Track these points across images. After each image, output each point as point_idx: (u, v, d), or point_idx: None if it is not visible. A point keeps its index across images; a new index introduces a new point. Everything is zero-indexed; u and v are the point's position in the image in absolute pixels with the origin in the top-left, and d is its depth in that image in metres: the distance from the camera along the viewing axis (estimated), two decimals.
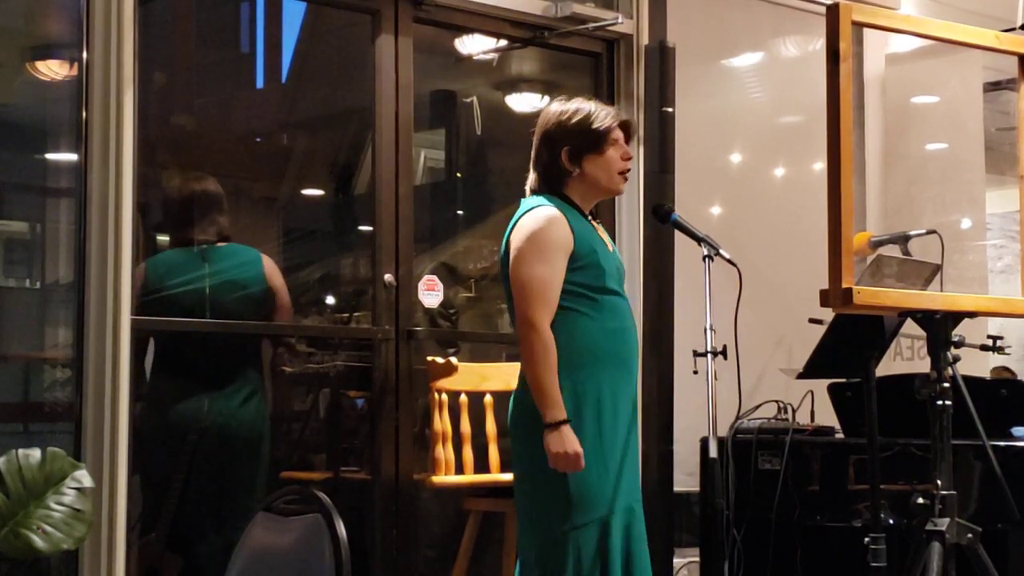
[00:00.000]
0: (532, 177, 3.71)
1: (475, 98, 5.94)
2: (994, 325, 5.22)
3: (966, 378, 4.11)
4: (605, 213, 5.38)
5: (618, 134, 3.66)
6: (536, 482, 3.55)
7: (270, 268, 4.74)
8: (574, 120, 3.63)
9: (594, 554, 3.51)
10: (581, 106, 3.66)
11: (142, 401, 4.55)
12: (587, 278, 3.57)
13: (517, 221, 3.59)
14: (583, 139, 3.61)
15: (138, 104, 4.19)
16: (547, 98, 5.98)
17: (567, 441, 3.43)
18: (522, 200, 3.69)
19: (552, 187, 3.65)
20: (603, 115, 3.65)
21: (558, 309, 3.53)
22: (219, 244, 4.69)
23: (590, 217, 3.69)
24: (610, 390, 3.58)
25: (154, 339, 4.57)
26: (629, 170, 3.72)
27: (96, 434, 4.04)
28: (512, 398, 3.68)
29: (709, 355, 4.01)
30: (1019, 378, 5.12)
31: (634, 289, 5.29)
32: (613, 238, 5.35)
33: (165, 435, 4.57)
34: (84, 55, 4.12)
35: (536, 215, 3.56)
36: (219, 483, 4.58)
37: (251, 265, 4.71)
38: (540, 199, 3.62)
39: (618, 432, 3.59)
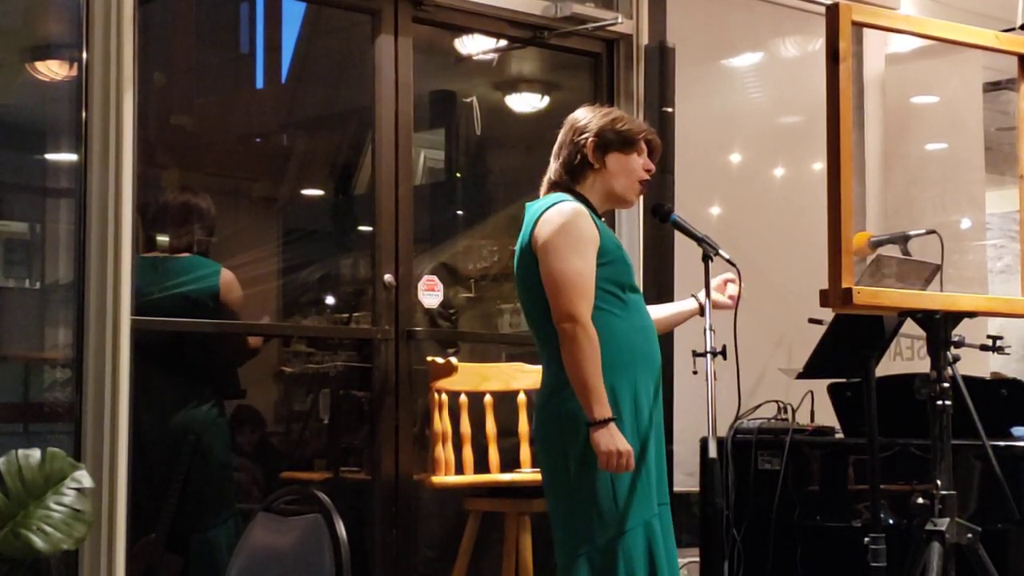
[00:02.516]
0: (553, 167, 3.68)
1: (475, 98, 5.95)
2: (994, 325, 5.22)
3: (966, 378, 4.11)
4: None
5: (644, 147, 3.68)
6: (576, 491, 3.48)
7: (227, 283, 4.70)
8: (607, 118, 3.66)
9: (644, 557, 3.47)
10: (614, 110, 3.74)
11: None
12: (615, 274, 3.54)
13: (540, 215, 3.53)
14: (612, 135, 3.63)
15: (138, 104, 4.19)
16: (547, 98, 5.99)
17: (616, 439, 3.37)
18: (527, 204, 3.67)
19: (572, 180, 3.63)
20: (635, 122, 3.72)
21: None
22: (181, 255, 4.67)
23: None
24: (644, 390, 3.55)
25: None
26: (646, 183, 3.72)
27: (96, 434, 4.04)
28: (539, 406, 3.61)
29: (709, 355, 4.01)
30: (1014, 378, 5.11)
31: None
32: None
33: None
34: (84, 55, 4.12)
35: (562, 208, 3.51)
36: (174, 487, 4.56)
37: (206, 279, 4.68)
38: (559, 195, 3.59)
39: (652, 432, 3.57)
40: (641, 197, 5.13)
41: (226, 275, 4.70)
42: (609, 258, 3.53)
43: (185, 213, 4.73)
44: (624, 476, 3.45)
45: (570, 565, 3.48)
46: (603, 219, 3.67)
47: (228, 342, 4.80)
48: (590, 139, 3.61)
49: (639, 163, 3.67)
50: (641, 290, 3.72)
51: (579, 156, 3.62)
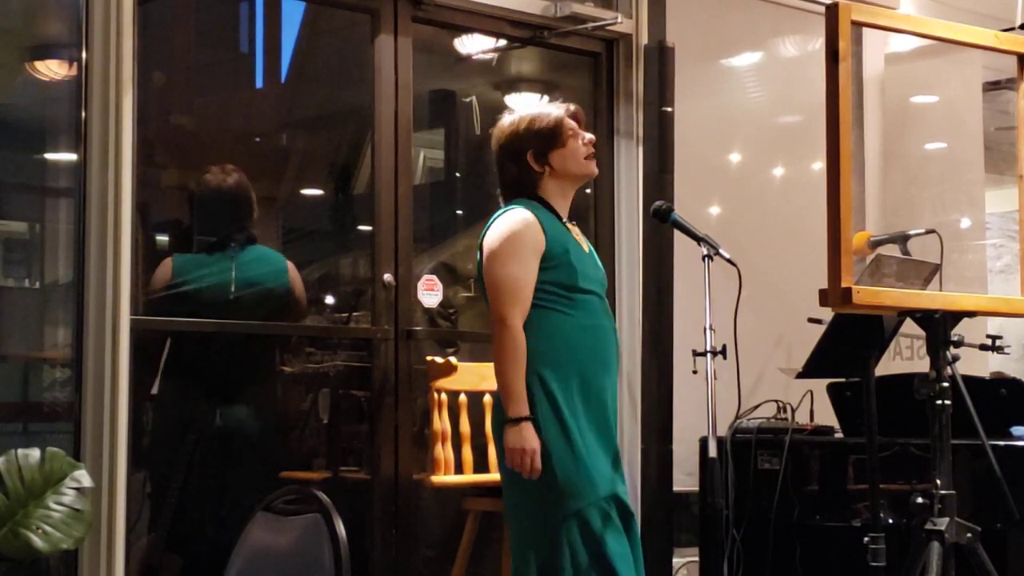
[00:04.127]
0: (502, 192, 3.81)
1: (474, 98, 5.94)
2: (993, 325, 5.22)
3: (965, 378, 4.11)
4: (605, 213, 5.39)
5: (571, 124, 3.77)
6: (519, 483, 3.60)
7: (293, 274, 4.77)
8: (524, 125, 3.75)
9: (586, 542, 3.56)
10: (527, 112, 3.81)
11: (153, 401, 4.61)
12: (560, 276, 3.66)
13: (491, 225, 3.69)
14: (542, 138, 3.73)
15: (137, 104, 4.19)
16: (547, 98, 5.98)
17: (525, 437, 3.52)
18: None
19: (528, 191, 3.75)
20: (550, 112, 3.78)
21: (534, 307, 3.63)
22: (247, 246, 4.69)
23: (566, 220, 3.78)
24: (589, 384, 3.66)
25: (171, 339, 4.61)
26: (596, 152, 3.81)
27: (95, 434, 4.04)
28: (496, 399, 3.74)
29: (708, 355, 4.02)
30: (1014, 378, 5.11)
31: (634, 289, 5.29)
32: (612, 238, 5.38)
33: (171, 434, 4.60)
34: (83, 55, 4.12)
35: (508, 218, 3.66)
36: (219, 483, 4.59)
37: (276, 269, 4.71)
38: (514, 204, 3.72)
39: (598, 424, 3.66)
40: (641, 198, 5.19)
41: (291, 266, 4.77)
42: (554, 262, 3.65)
43: (240, 200, 4.72)
44: (568, 465, 3.56)
45: (521, 552, 3.62)
46: (568, 222, 3.75)
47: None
48: (528, 154, 3.72)
49: (578, 144, 3.77)
50: (603, 294, 3.78)
51: (525, 173, 3.74)
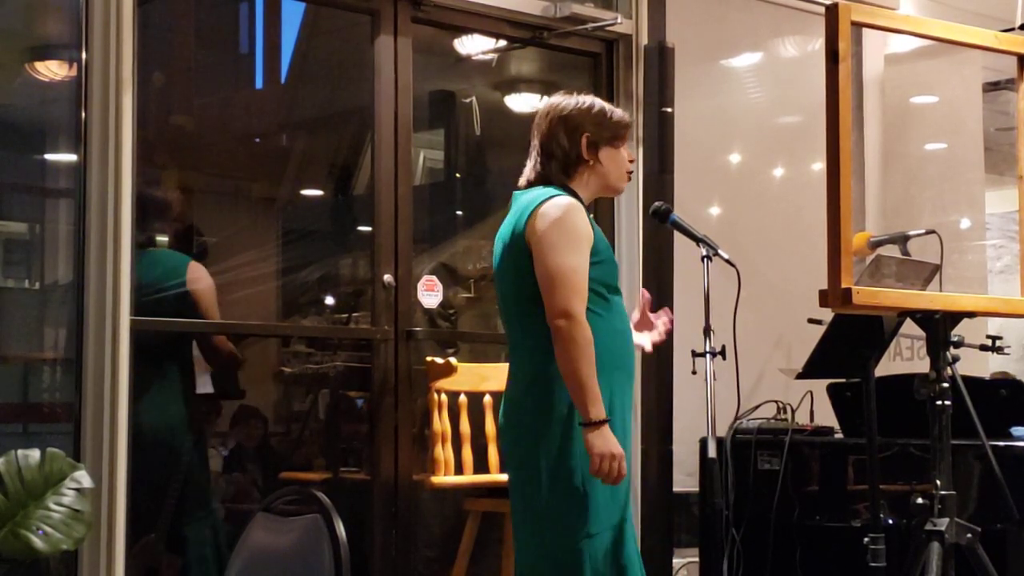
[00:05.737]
0: (539, 161, 3.54)
1: (474, 98, 5.95)
2: (993, 325, 5.23)
3: (966, 378, 4.11)
4: (605, 213, 5.39)
5: (626, 136, 3.61)
6: (546, 490, 3.37)
7: (194, 274, 4.64)
8: (596, 109, 3.55)
9: (612, 562, 3.38)
10: (595, 99, 3.59)
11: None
12: (603, 274, 3.45)
13: (537, 208, 3.41)
14: (604, 130, 3.53)
15: (137, 104, 4.19)
16: (546, 98, 5.98)
17: (611, 442, 3.27)
18: (516, 193, 3.54)
19: (564, 175, 3.51)
20: (618, 112, 3.60)
21: None
22: (147, 250, 4.63)
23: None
24: (619, 394, 3.45)
25: None
26: (632, 172, 3.67)
27: (95, 435, 4.04)
28: (509, 400, 3.49)
29: (708, 355, 4.02)
30: (1017, 378, 5.12)
31: (633, 290, 5.29)
32: (612, 238, 5.38)
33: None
34: (83, 55, 4.12)
35: (558, 203, 3.40)
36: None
37: (172, 271, 4.63)
38: (553, 189, 3.47)
39: (627, 438, 3.47)
40: (641, 198, 5.19)
41: (195, 266, 4.65)
42: (600, 257, 3.44)
43: (153, 206, 4.68)
44: (593, 483, 3.33)
45: (535, 565, 3.39)
46: (592, 215, 3.56)
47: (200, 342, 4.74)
48: (584, 136, 3.51)
49: (625, 154, 3.59)
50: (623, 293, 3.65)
51: (574, 152, 3.51)
